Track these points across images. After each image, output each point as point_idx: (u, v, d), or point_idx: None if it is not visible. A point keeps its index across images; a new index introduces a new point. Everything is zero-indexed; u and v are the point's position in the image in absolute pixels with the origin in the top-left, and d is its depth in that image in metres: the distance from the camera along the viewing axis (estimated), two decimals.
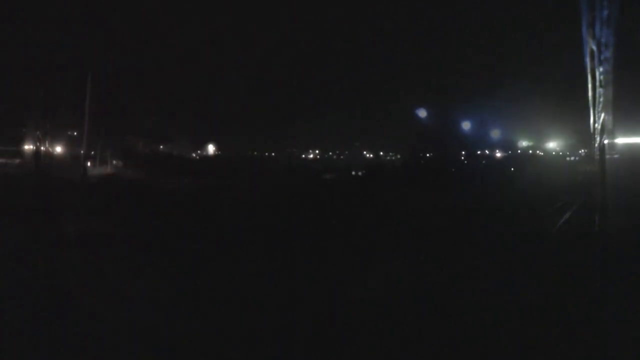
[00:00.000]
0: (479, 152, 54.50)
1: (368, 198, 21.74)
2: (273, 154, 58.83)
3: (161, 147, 50.59)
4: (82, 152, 31.88)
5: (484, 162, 50.98)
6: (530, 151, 55.21)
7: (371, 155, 59.16)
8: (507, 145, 54.21)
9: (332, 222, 14.51)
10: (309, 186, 28.78)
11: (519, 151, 54.95)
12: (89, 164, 31.41)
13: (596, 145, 6.31)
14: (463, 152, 52.04)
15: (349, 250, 10.44)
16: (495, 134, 46.62)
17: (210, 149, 55.84)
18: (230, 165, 39.84)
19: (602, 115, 6.19)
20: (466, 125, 47.13)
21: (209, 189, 24.96)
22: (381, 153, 60.09)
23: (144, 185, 25.42)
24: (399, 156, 55.80)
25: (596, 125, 6.25)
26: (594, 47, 6.16)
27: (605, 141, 6.24)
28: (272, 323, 6.37)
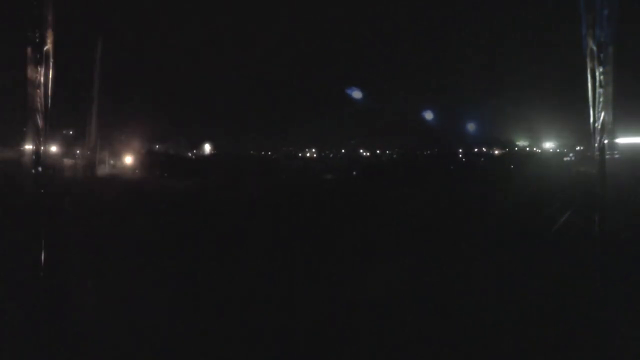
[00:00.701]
0: (476, 150, 54.52)
1: (366, 197, 21.75)
2: (269, 152, 58.63)
3: (157, 146, 50.36)
4: (78, 151, 31.70)
5: (482, 159, 50.98)
6: (528, 149, 55.22)
7: (368, 154, 59.04)
8: (505, 143, 54.24)
9: (330, 222, 14.52)
10: (309, 186, 28.79)
11: (516, 149, 54.97)
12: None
13: (596, 145, 6.31)
14: (460, 150, 52.07)
15: (349, 250, 10.46)
16: (471, 127, 46.19)
17: (207, 148, 55.62)
18: (230, 165, 39.71)
19: (602, 114, 6.19)
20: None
21: (211, 189, 24.93)
22: (378, 151, 59.97)
23: (149, 186, 25.39)
24: (394, 155, 55.75)
25: (596, 125, 6.25)
26: (594, 47, 6.16)
27: (605, 141, 6.24)
28: (272, 323, 6.37)
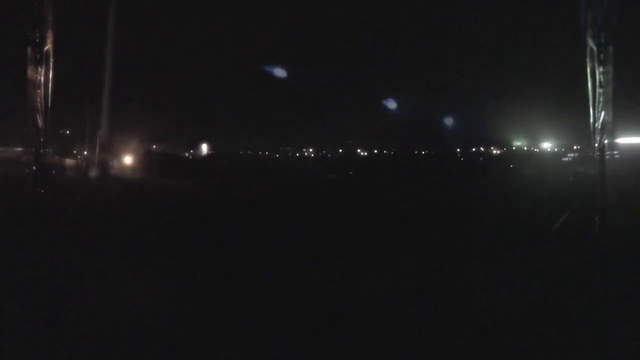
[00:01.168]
0: (474, 149, 54.58)
1: (364, 197, 21.74)
2: (267, 152, 58.62)
3: (154, 146, 50.20)
4: (75, 151, 31.49)
5: (481, 159, 51.00)
6: (526, 149, 55.27)
7: (366, 153, 59.02)
8: (504, 142, 54.30)
9: (330, 222, 14.51)
10: (308, 186, 28.79)
11: (514, 148, 55.00)
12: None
13: (596, 145, 6.32)
14: (459, 149, 52.12)
15: (348, 249, 10.45)
16: (449, 122, 45.63)
17: (204, 148, 55.46)
18: (229, 165, 39.66)
19: (602, 114, 6.19)
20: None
21: (211, 189, 24.90)
22: (375, 151, 59.98)
23: (148, 186, 25.36)
24: (392, 153, 55.79)
25: (596, 125, 6.25)
26: (594, 47, 6.16)
27: (605, 141, 6.25)
28: (272, 323, 6.36)
